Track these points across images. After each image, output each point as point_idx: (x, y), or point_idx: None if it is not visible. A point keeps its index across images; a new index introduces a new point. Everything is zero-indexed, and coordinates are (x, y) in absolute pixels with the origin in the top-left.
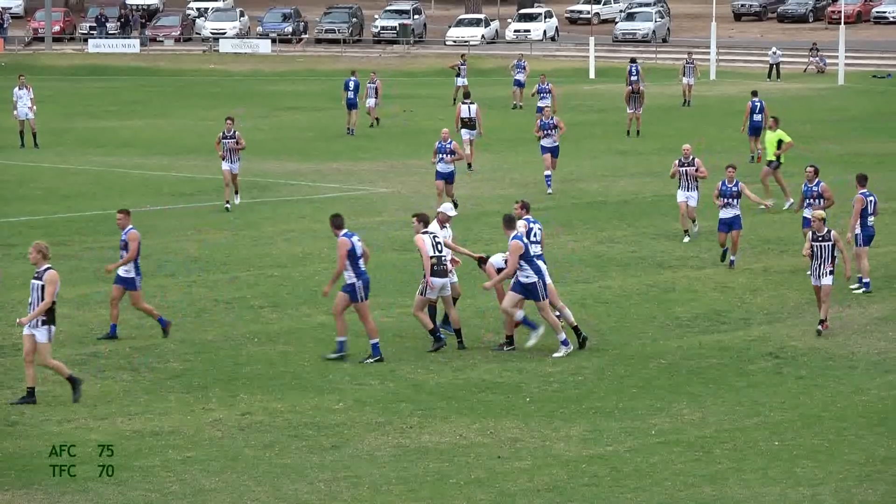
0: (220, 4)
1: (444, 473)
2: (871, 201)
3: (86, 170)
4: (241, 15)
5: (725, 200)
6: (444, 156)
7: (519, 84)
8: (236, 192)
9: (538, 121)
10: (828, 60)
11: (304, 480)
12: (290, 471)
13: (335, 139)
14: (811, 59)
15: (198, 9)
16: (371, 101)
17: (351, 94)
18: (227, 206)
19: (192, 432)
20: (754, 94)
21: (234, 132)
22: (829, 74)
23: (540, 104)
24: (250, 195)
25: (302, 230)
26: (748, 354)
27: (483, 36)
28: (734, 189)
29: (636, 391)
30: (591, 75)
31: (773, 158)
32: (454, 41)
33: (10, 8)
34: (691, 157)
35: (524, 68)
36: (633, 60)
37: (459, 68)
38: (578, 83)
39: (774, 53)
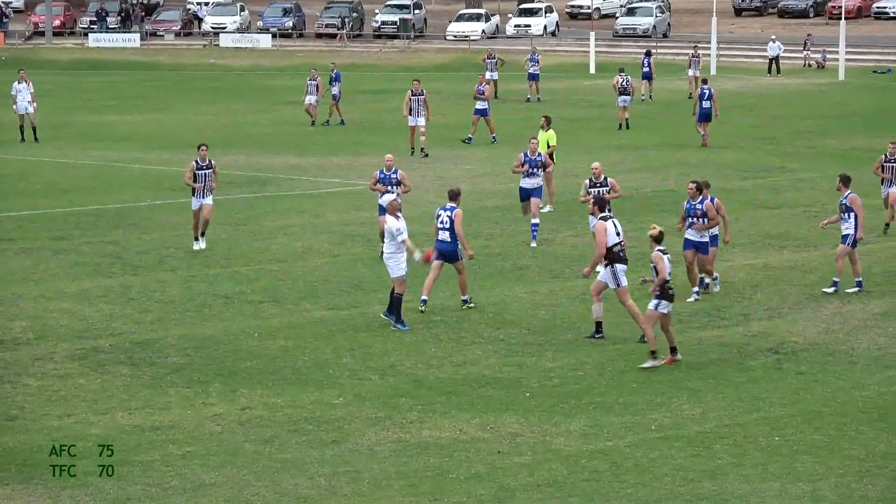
0: None
1: (444, 468)
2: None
3: (86, 164)
4: (242, 10)
5: (690, 220)
6: (391, 187)
7: (533, 77)
8: (203, 234)
9: (521, 155)
10: (828, 55)
11: (304, 475)
12: (291, 465)
13: (335, 134)
14: (807, 52)
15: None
16: (312, 98)
17: (335, 89)
18: (197, 245)
19: (192, 427)
20: (704, 81)
21: (211, 161)
22: (829, 70)
23: (478, 107)
24: (251, 189)
25: (302, 225)
26: (748, 350)
27: (483, 31)
28: (699, 207)
29: (636, 386)
30: (592, 70)
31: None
32: (454, 36)
33: (11, 2)
34: (603, 178)
35: (538, 62)
36: (647, 53)
37: (487, 62)
38: (579, 78)
39: (774, 42)
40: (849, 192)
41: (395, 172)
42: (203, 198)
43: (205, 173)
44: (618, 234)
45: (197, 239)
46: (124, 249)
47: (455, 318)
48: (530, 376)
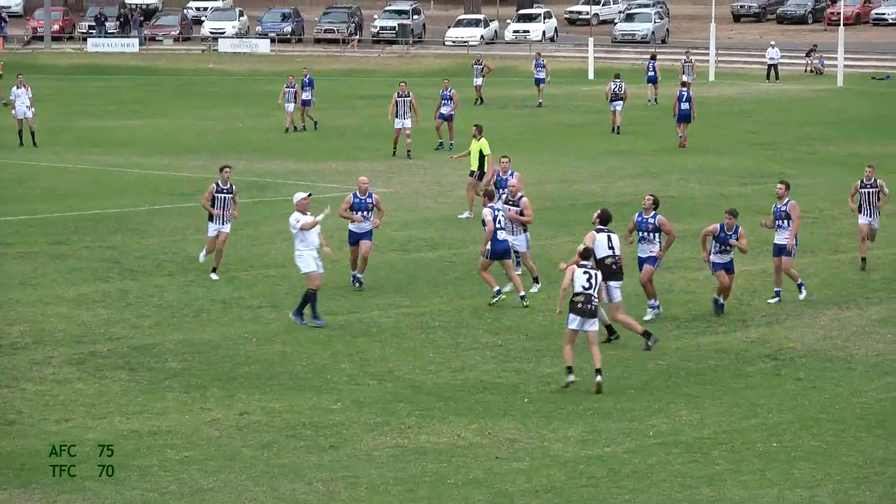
0: (219, 4)
1: (441, 474)
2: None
3: (84, 169)
4: (241, 14)
5: (641, 234)
6: (366, 213)
7: (539, 82)
8: (215, 268)
9: (492, 176)
10: (826, 62)
11: (301, 480)
12: (288, 471)
13: (334, 139)
14: (810, 60)
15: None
16: (290, 106)
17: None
18: (214, 275)
19: (190, 432)
20: (683, 84)
21: (232, 186)
22: (828, 76)
23: (443, 111)
24: (249, 195)
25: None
26: (746, 356)
27: (482, 36)
28: (651, 221)
29: (634, 392)
30: (590, 76)
31: (476, 169)
32: (453, 41)
33: (9, 7)
34: (519, 195)
35: (544, 66)
36: (653, 57)
37: (474, 68)
38: (577, 84)
39: (772, 48)
40: (789, 199)
41: (371, 197)
42: (222, 225)
43: (224, 198)
44: (611, 247)
45: (214, 270)
46: (123, 254)
47: (453, 324)
48: (528, 382)
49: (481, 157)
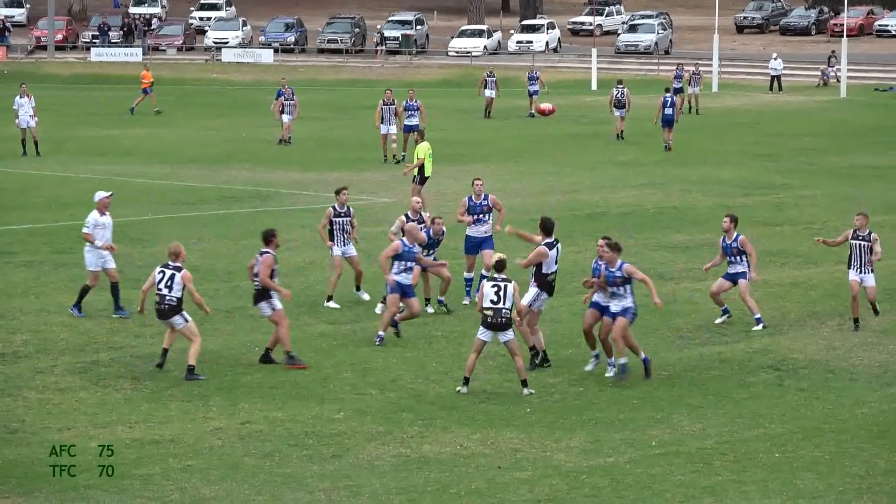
0: (222, 14)
1: (444, 483)
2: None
3: (88, 178)
4: (244, 24)
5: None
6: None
7: (534, 94)
8: (358, 287)
9: (464, 201)
10: (830, 73)
11: (304, 489)
12: (291, 480)
13: (337, 149)
14: (827, 69)
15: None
16: (287, 118)
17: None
18: (330, 302)
19: (193, 441)
20: (667, 90)
21: (349, 208)
22: (831, 87)
23: (407, 123)
24: (252, 204)
25: (303, 240)
26: (749, 366)
27: (485, 47)
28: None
29: (637, 402)
30: (594, 87)
31: (418, 174)
32: (456, 52)
33: (13, 16)
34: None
35: (538, 79)
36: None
37: (486, 80)
38: (580, 94)
39: (775, 59)
40: (737, 234)
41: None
42: (345, 245)
43: (342, 221)
44: (556, 262)
45: (358, 288)
46: (126, 263)
47: (456, 334)
48: (531, 392)
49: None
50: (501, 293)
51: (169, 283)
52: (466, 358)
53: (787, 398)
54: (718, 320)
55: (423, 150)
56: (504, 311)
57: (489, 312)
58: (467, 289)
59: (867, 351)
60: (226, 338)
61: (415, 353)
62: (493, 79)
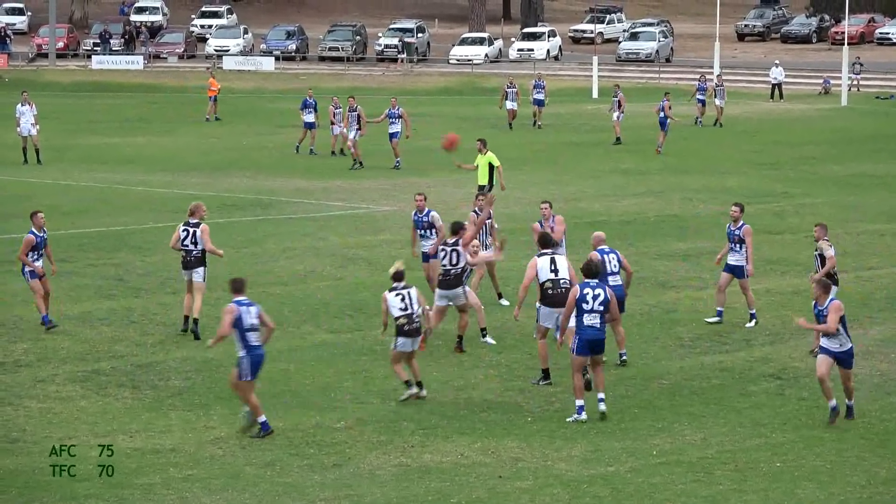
0: (223, 22)
1: (445, 493)
2: None
3: (89, 186)
4: (245, 32)
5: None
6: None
7: (538, 103)
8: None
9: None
10: (832, 81)
11: (305, 499)
12: (292, 489)
13: (339, 157)
14: (852, 75)
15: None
16: (337, 129)
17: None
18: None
19: (194, 450)
20: (666, 94)
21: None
22: (832, 95)
23: (391, 130)
24: (253, 213)
25: (304, 248)
26: (750, 375)
27: (486, 55)
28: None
29: (638, 411)
30: (595, 94)
31: (486, 183)
32: (457, 60)
33: (14, 24)
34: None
35: (543, 87)
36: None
37: (507, 92)
38: (581, 102)
39: (776, 67)
40: (743, 223)
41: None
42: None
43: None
44: (553, 270)
45: (500, 296)
46: (126, 272)
47: (456, 343)
48: (532, 401)
49: (491, 170)
50: (408, 300)
51: (193, 239)
52: (467, 367)
53: (789, 407)
54: (710, 319)
55: (490, 159)
56: (416, 316)
57: (403, 321)
58: None
59: (867, 360)
60: (226, 346)
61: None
62: (514, 90)
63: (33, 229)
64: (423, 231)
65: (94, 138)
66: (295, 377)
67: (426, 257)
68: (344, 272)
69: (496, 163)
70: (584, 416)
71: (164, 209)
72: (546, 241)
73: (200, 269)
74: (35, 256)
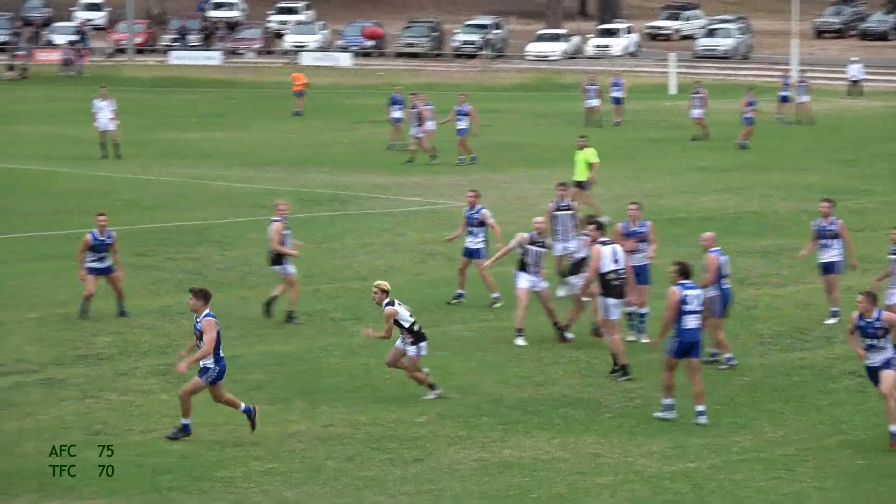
0: (301, 17)
1: (525, 488)
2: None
3: (168, 181)
4: (323, 28)
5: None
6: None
7: (616, 101)
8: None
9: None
10: None
11: (385, 493)
12: (372, 483)
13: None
14: None
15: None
16: (422, 128)
17: (396, 111)
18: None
19: (274, 444)
20: (749, 89)
21: (481, 209)
22: None
23: (459, 127)
24: (332, 208)
25: (383, 243)
26: (830, 373)
27: (563, 51)
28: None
29: (719, 408)
30: (672, 91)
31: (584, 179)
32: (534, 56)
33: (93, 20)
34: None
35: (621, 85)
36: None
37: (588, 89)
38: (658, 99)
39: (855, 63)
40: (835, 217)
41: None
42: (566, 241)
43: (563, 215)
44: (616, 260)
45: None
46: (206, 266)
47: (536, 339)
48: (611, 397)
49: (588, 167)
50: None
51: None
52: (547, 363)
53: (870, 405)
54: (829, 321)
55: (587, 155)
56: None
57: (418, 326)
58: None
59: None
60: (306, 341)
61: (495, 358)
62: (596, 87)
63: (94, 230)
64: (472, 227)
65: (173, 133)
66: (375, 371)
67: (469, 252)
68: (423, 267)
69: (594, 159)
70: (672, 414)
71: (242, 204)
72: (602, 228)
73: (277, 268)
74: (93, 257)
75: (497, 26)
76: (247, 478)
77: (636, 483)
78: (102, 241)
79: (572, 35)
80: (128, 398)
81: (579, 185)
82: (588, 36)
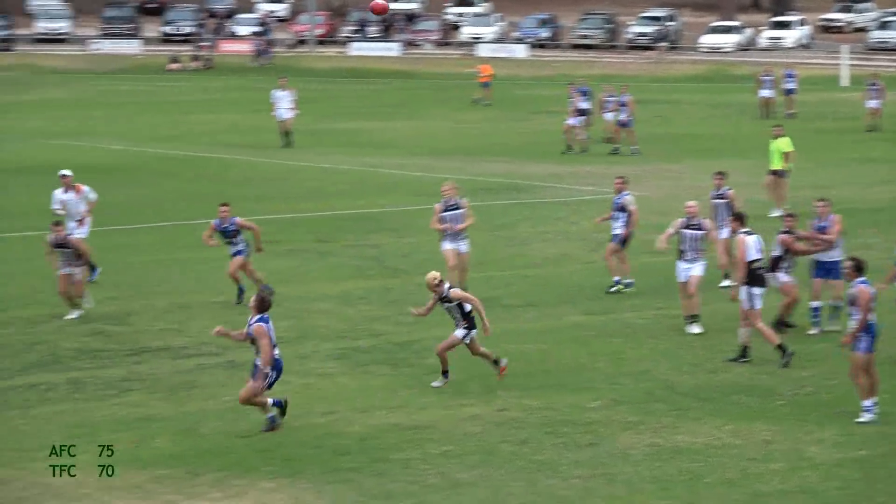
0: (478, 9)
1: (697, 473)
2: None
3: (346, 169)
4: (499, 20)
5: None
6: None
7: (789, 92)
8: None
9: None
10: None
11: (558, 476)
12: (546, 467)
13: (590, 143)
14: None
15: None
16: (609, 116)
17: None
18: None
19: (450, 427)
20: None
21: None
22: None
23: (620, 118)
24: (508, 196)
25: (557, 231)
26: None
27: (737, 43)
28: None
29: (889, 397)
30: (844, 83)
31: (779, 167)
32: (708, 48)
33: (276, 11)
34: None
35: (794, 77)
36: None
37: (763, 80)
38: (830, 91)
39: None
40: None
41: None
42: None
43: (719, 204)
44: (759, 250)
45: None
46: (384, 253)
47: (708, 328)
48: (783, 385)
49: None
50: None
51: None
52: (718, 350)
53: None
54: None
55: (782, 145)
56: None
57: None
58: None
59: None
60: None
61: (668, 345)
62: (771, 78)
63: (217, 219)
64: (615, 212)
65: (352, 123)
66: (550, 357)
67: (617, 239)
68: (595, 256)
69: (789, 148)
70: (870, 416)
71: (421, 192)
72: (742, 219)
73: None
74: (226, 242)
75: (671, 18)
76: (424, 460)
77: (806, 470)
78: (226, 227)
79: (745, 27)
80: (308, 381)
81: (775, 173)
82: (761, 28)
